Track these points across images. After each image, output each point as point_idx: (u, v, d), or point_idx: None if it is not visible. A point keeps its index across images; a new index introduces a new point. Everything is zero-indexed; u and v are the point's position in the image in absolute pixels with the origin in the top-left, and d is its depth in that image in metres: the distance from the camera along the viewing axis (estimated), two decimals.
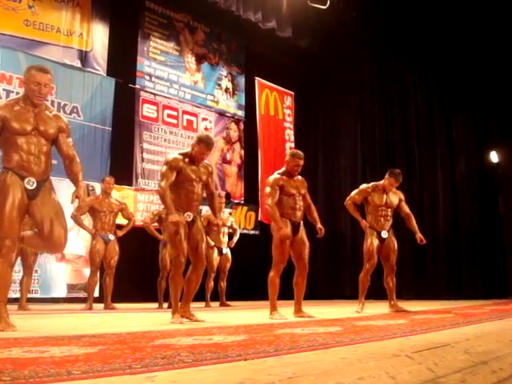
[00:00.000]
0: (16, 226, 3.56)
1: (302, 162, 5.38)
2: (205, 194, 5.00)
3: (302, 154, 5.46)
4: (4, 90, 8.22)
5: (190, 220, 4.66)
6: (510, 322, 4.27)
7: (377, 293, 7.77)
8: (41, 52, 8.78)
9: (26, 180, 3.58)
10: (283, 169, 5.44)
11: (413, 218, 6.41)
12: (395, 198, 6.40)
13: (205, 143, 4.75)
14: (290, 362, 2.08)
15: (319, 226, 5.47)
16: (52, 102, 8.53)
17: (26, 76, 3.67)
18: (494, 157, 10.29)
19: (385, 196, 6.32)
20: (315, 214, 5.54)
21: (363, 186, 6.52)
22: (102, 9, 9.66)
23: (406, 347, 2.51)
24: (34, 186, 3.61)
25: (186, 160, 4.74)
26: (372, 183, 6.47)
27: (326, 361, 2.16)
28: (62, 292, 8.58)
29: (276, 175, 5.38)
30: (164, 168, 4.71)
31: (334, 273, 11.88)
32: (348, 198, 6.49)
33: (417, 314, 5.53)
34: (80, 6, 9.42)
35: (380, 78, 12.01)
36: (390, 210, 6.34)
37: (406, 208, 6.46)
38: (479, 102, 10.44)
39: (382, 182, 6.38)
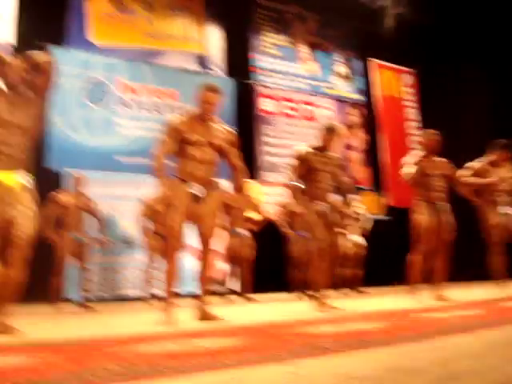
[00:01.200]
0: (181, 228, 3.87)
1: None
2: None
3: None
4: (132, 100, 8.69)
5: (323, 210, 4.72)
6: None
7: None
8: (162, 60, 9.18)
9: (192, 186, 3.89)
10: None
11: None
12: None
13: (330, 130, 4.83)
14: (438, 347, 2.02)
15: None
16: (177, 107, 8.91)
17: (200, 94, 4.00)
18: None
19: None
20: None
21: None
22: (214, 12, 9.91)
23: None
24: (200, 191, 3.91)
25: (315, 151, 4.82)
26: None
27: (474, 344, 2.07)
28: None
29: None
30: (295, 161, 4.84)
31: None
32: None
33: None
34: (194, 13, 9.72)
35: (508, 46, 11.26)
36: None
37: None
38: None
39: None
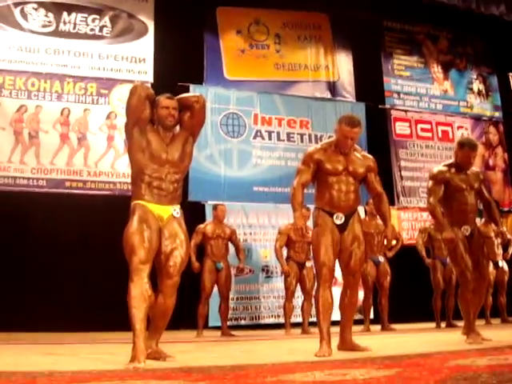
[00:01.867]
0: (333, 260, 3.90)
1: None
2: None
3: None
4: (266, 131, 8.94)
5: (467, 234, 4.48)
6: None
7: None
8: (293, 91, 9.38)
9: (335, 216, 3.90)
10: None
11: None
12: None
13: (467, 145, 4.57)
14: None
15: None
16: (309, 135, 9.05)
17: (338, 128, 3.99)
18: None
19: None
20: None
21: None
22: (342, 38, 9.98)
23: None
24: (343, 220, 3.91)
25: (452, 170, 4.59)
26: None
27: None
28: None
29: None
30: (430, 183, 4.62)
31: None
32: None
33: None
34: (322, 41, 9.85)
35: None
36: None
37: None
38: None
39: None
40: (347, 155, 3.98)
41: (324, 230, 3.87)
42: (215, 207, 7.22)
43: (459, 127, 10.47)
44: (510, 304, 8.19)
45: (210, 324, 7.41)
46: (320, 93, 9.55)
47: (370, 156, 4.20)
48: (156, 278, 3.54)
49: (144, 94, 3.55)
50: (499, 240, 8.00)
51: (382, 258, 7.34)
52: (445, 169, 4.59)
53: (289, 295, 7.08)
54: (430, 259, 7.66)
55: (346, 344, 3.95)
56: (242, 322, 7.96)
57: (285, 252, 7.18)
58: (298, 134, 9.14)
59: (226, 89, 8.85)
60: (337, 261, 3.96)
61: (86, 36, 8.20)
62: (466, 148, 4.52)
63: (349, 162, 3.97)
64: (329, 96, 9.57)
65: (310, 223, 4.69)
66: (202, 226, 7.05)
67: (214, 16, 9.10)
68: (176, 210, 3.57)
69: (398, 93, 10.19)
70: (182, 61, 8.31)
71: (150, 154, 3.49)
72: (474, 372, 2.30)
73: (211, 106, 8.45)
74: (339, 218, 3.88)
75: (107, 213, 7.12)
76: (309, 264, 6.88)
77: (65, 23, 8.13)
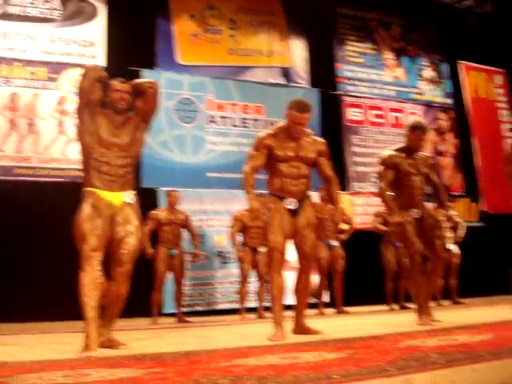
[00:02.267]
0: (284, 244, 3.92)
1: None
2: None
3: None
4: (220, 116, 8.89)
5: (417, 217, 4.54)
6: None
7: None
8: (247, 76, 9.33)
9: (287, 201, 3.92)
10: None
11: None
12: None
13: (419, 128, 4.62)
14: None
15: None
16: (263, 121, 9.04)
17: (288, 113, 3.98)
18: None
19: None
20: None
21: None
22: (296, 25, 9.97)
23: None
24: (295, 205, 3.93)
25: (402, 154, 4.62)
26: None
27: None
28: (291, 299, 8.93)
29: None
30: (380, 167, 4.66)
31: None
32: None
33: None
34: (276, 27, 9.83)
35: None
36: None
37: None
38: None
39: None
40: (298, 140, 3.98)
41: (275, 214, 3.88)
42: (169, 193, 7.17)
43: (411, 113, 10.65)
44: (461, 286, 8.42)
45: (166, 311, 7.37)
46: (274, 79, 9.54)
47: (320, 140, 4.19)
48: (109, 265, 3.50)
49: (96, 76, 3.50)
50: (449, 224, 8.18)
51: (335, 243, 7.43)
52: (394, 153, 4.63)
53: (243, 280, 7.12)
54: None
55: (299, 328, 3.99)
56: (198, 308, 7.94)
57: (240, 238, 7.19)
58: (252, 119, 9.12)
59: (179, 74, 8.74)
60: (291, 245, 3.99)
61: (35, 19, 7.94)
62: (417, 131, 4.58)
63: (300, 148, 3.97)
64: (283, 82, 9.57)
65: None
66: (155, 212, 6.99)
67: (166, 0, 8.96)
68: (130, 196, 3.52)
69: (351, 79, 10.27)
70: (134, 45, 8.16)
71: (98, 138, 3.45)
72: (424, 352, 2.35)
73: (164, 92, 8.26)
74: (291, 203, 3.90)
75: (58, 200, 6.98)
76: (263, 249, 6.90)
77: (14, 6, 7.88)
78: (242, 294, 7.14)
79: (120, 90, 3.53)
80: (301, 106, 3.95)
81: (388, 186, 4.55)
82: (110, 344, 3.45)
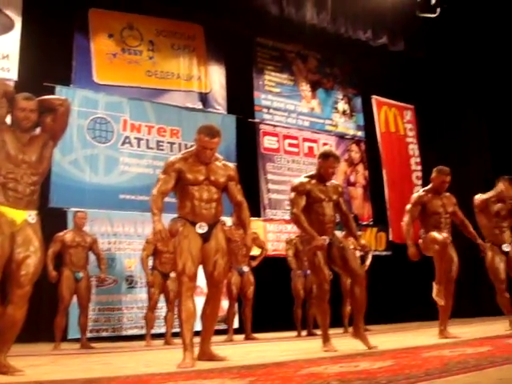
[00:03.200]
0: (195, 269, 3.85)
1: (448, 178, 5.35)
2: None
3: (447, 169, 5.40)
4: (135, 138, 8.77)
5: (326, 244, 4.56)
6: None
7: None
8: (164, 99, 9.28)
9: (198, 225, 3.86)
10: (429, 186, 5.47)
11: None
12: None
13: (332, 156, 4.68)
14: None
15: (479, 241, 5.44)
16: (179, 145, 8.99)
17: (197, 138, 3.96)
18: None
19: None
20: (470, 230, 5.54)
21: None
22: (216, 51, 10.06)
23: None
24: (206, 229, 3.88)
25: (313, 181, 4.66)
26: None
27: (482, 383, 2.07)
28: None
29: (420, 192, 5.47)
30: (292, 194, 4.67)
31: (474, 289, 11.23)
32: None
33: None
34: (196, 51, 9.87)
35: (506, 79, 11.35)
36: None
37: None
38: None
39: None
40: (208, 165, 3.98)
41: (185, 238, 3.83)
42: (75, 214, 6.96)
43: (324, 144, 10.92)
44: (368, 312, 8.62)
45: (70, 336, 7.09)
46: (191, 103, 9.55)
47: (230, 165, 4.23)
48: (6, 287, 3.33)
49: (1, 91, 3.36)
50: (359, 253, 8.37)
51: (246, 268, 7.44)
52: (305, 180, 4.68)
53: (151, 305, 6.99)
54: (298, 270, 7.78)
55: (205, 354, 3.93)
56: (104, 334, 7.69)
57: (151, 262, 7.07)
58: (167, 142, 9.06)
59: (95, 92, 8.57)
60: (201, 270, 3.95)
61: None
62: (330, 159, 4.63)
63: (210, 172, 3.97)
64: (200, 107, 9.59)
65: None
66: (60, 234, 6.76)
67: (85, 17, 8.77)
68: (31, 216, 3.40)
69: (268, 108, 10.44)
70: (50, 60, 7.94)
71: (5, 154, 3.33)
72: (324, 379, 2.37)
73: (78, 110, 8.15)
74: (202, 227, 3.87)
75: None
76: (173, 275, 6.80)
77: None
78: (149, 319, 6.99)
79: (24, 109, 3.42)
80: (210, 131, 3.95)
81: (301, 212, 4.57)
82: (5, 370, 3.27)
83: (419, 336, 5.78)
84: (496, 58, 11.45)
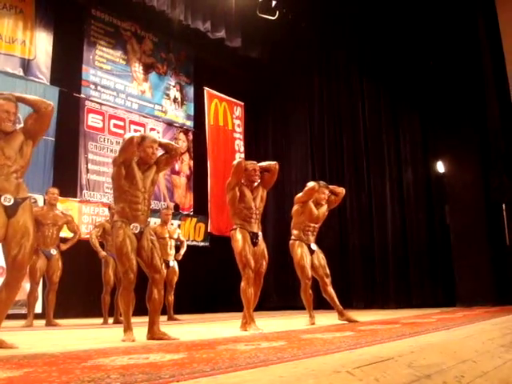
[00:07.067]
0: None
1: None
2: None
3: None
4: None
5: (137, 232, 4.44)
6: (455, 332, 4.27)
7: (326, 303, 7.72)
8: None
9: (3, 197, 3.49)
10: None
11: None
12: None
13: (148, 138, 4.52)
14: (224, 383, 1.98)
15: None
16: None
17: None
18: (440, 167, 10.41)
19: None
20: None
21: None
22: (45, 16, 9.40)
23: (348, 362, 2.43)
24: (11, 202, 3.51)
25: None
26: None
27: (262, 380, 2.06)
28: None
29: None
30: (113, 169, 4.46)
31: (285, 283, 11.78)
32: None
33: (364, 324, 5.50)
34: (23, 13, 9.14)
35: (329, 89, 12.04)
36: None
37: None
38: (425, 112, 10.55)
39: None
40: (7, 135, 3.61)
41: None
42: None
43: (152, 129, 10.75)
44: (182, 302, 8.66)
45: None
46: (11, 68, 8.82)
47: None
48: None
49: None
50: (173, 242, 8.33)
51: (54, 251, 7.02)
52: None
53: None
54: (104, 252, 7.55)
55: None
56: None
57: None
58: None
59: None
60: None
61: None
62: (148, 141, 4.48)
63: (5, 144, 3.58)
64: (21, 73, 8.89)
65: None
66: None
67: None
68: None
69: (96, 84, 10.00)
70: None
71: None
72: (105, 372, 2.23)
73: None
74: (7, 200, 3.51)
75: None
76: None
77: None
78: None
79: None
80: (6, 95, 3.64)
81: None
82: None
83: (227, 328, 5.83)
84: (325, 64, 12.09)
